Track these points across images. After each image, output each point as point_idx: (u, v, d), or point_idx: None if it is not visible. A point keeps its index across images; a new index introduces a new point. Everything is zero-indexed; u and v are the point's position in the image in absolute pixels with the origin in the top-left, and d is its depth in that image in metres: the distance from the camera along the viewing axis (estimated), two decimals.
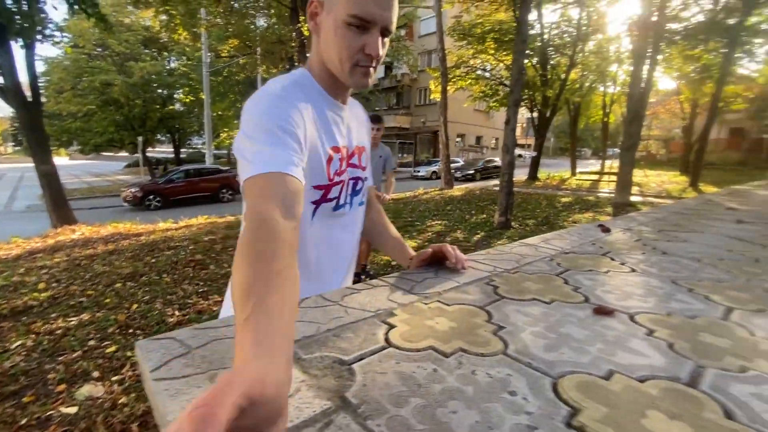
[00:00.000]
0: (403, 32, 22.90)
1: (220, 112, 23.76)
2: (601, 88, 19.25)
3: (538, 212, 8.16)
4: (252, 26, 13.04)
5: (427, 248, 0.96)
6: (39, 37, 6.73)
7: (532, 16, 15.28)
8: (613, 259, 1.11)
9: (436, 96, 15.20)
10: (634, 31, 8.31)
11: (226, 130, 26.65)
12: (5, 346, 2.61)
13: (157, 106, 22.31)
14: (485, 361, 0.54)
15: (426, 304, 0.74)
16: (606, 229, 1.53)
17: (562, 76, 15.47)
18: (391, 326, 0.64)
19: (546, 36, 15.63)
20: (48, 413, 1.93)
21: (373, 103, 29.10)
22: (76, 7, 7.03)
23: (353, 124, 0.89)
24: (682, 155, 20.33)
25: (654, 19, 8.22)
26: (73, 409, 1.95)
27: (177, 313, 3.10)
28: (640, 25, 7.99)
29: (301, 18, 9.06)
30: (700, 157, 13.58)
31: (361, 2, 0.68)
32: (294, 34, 9.09)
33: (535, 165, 17.28)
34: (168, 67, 23.68)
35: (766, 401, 0.48)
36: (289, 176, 0.61)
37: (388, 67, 28.31)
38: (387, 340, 0.60)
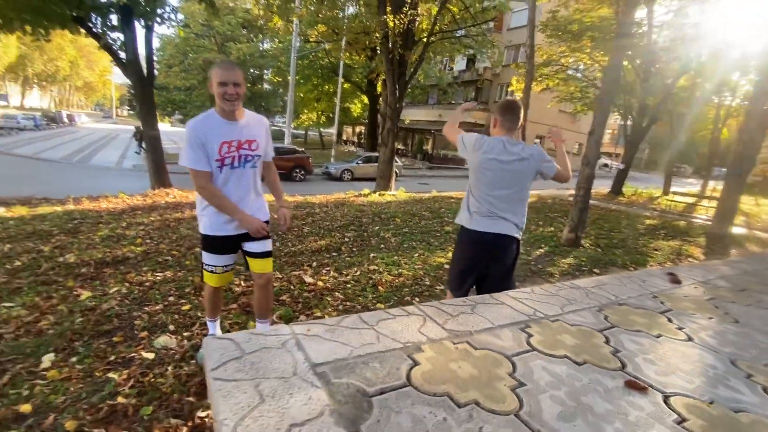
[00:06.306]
0: (491, 24, 21.93)
1: (302, 94, 25.02)
2: (715, 99, 16.82)
3: (615, 233, 7.50)
4: (340, 14, 13.44)
5: None
6: (158, 19, 7.58)
7: (641, 13, 13.79)
8: (670, 320, 1.04)
9: (517, 93, 14.51)
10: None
11: (305, 111, 27.98)
12: (105, 290, 3.10)
13: (249, 85, 24.16)
14: (495, 420, 0.57)
15: (455, 343, 0.78)
16: (676, 280, 1.41)
17: (668, 81, 13.81)
18: (415, 363, 0.70)
19: (655, 36, 14.01)
20: (131, 355, 2.28)
21: (450, 96, 28.46)
22: None
23: (246, 128, 1.97)
24: None
25: None
26: (150, 355, 2.28)
27: (242, 283, 3.43)
28: None
29: (388, 9, 9.14)
30: None
31: (220, 75, 1.81)
32: (380, 25, 9.19)
33: (621, 178, 15.79)
34: (261, 49, 25.39)
35: None
36: (202, 171, 1.90)
37: (471, 60, 27.40)
38: (408, 377, 0.65)
